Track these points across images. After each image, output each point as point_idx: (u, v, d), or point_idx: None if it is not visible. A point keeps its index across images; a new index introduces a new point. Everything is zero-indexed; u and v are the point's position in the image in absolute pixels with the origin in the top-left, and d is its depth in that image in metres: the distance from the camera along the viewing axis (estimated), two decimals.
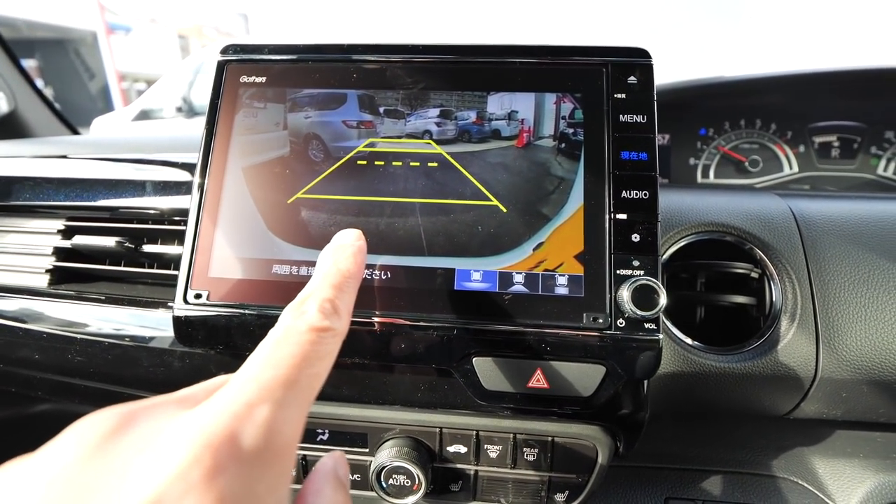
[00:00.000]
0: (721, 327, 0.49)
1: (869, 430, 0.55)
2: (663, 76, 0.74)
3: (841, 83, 0.75)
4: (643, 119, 0.37)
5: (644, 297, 0.33)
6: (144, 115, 4.86)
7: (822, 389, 0.46)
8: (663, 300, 0.33)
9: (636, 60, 0.38)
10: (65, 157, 0.55)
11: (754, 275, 0.49)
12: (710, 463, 0.52)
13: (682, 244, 0.49)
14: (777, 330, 0.46)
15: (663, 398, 0.48)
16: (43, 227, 0.50)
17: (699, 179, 0.79)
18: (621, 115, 0.37)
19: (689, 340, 0.46)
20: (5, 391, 0.71)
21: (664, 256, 0.48)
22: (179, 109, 4.71)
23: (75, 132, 1.03)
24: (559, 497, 0.42)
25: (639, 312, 0.33)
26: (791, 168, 0.77)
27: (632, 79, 0.38)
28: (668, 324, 0.47)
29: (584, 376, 0.34)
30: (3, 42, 0.92)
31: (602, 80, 0.37)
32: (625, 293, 0.33)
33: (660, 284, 0.33)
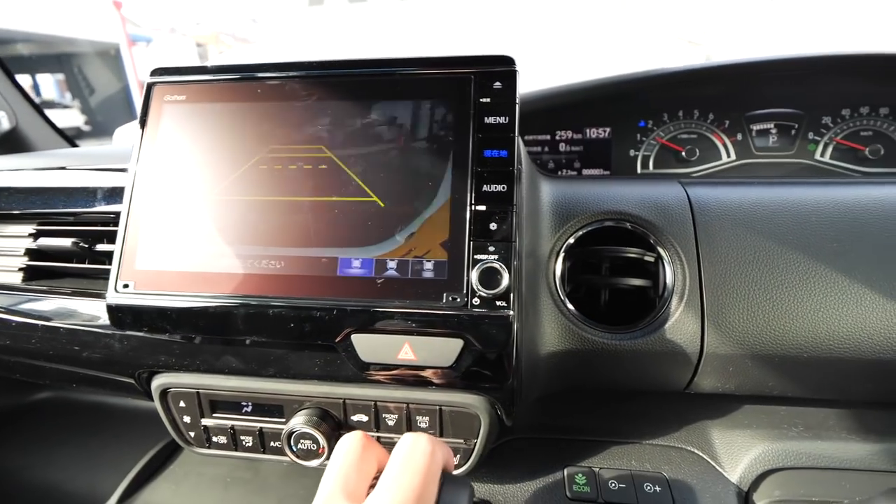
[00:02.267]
0: (628, 311, 0.53)
1: (772, 403, 0.58)
2: (603, 72, 0.78)
3: (777, 71, 0.76)
4: (505, 120, 0.41)
5: (489, 278, 0.37)
6: None
7: (710, 364, 0.50)
8: (506, 281, 0.37)
9: (501, 69, 0.42)
10: (63, 168, 0.63)
11: (650, 258, 0.53)
12: (612, 435, 0.56)
13: (584, 232, 0.53)
14: (667, 310, 0.50)
15: (563, 374, 0.52)
16: (17, 231, 0.57)
17: (639, 170, 0.82)
18: (485, 118, 0.41)
19: (581, 321, 0.50)
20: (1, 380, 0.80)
21: (569, 241, 0.52)
22: None
23: (74, 146, 1.12)
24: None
25: (486, 291, 0.37)
26: (729, 156, 0.79)
27: (497, 84, 0.42)
28: (568, 305, 0.51)
29: (445, 348, 0.39)
30: (1, 62, 1.01)
31: (469, 87, 0.42)
32: (474, 274, 0.38)
33: (504, 267, 0.38)
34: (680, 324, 0.49)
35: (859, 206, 0.50)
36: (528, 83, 0.72)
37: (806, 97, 0.77)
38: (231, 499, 0.67)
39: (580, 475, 0.51)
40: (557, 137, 0.83)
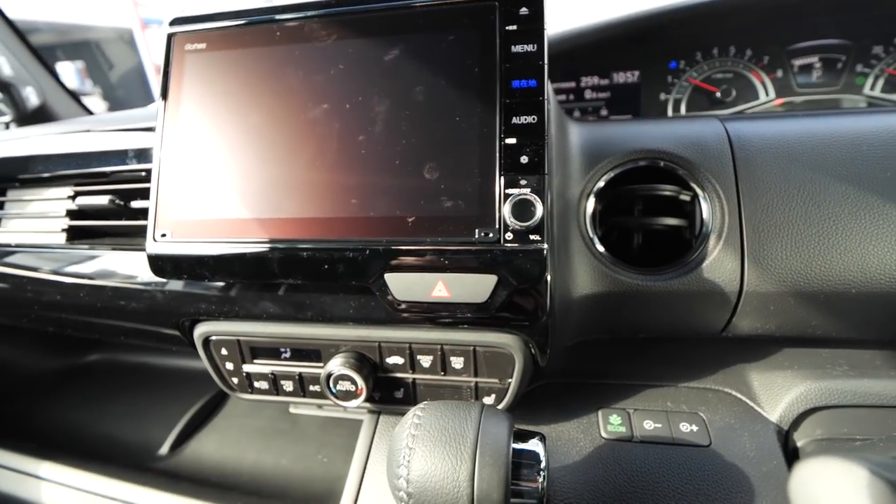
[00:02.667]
0: (664, 252, 0.52)
1: (814, 346, 0.56)
2: (626, 7, 0.73)
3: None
4: (533, 48, 0.39)
5: (522, 211, 0.37)
6: None
7: (750, 304, 0.48)
8: (539, 213, 0.36)
9: None
10: (70, 133, 0.64)
11: (685, 197, 0.51)
12: (646, 379, 0.56)
13: (616, 173, 0.51)
14: (704, 249, 0.48)
15: (597, 319, 0.52)
16: (56, 194, 0.59)
17: (670, 114, 0.78)
18: (512, 46, 0.40)
19: (614, 263, 0.49)
20: (54, 340, 0.85)
21: (598, 185, 0.51)
22: None
23: (90, 114, 1.14)
24: (488, 400, 0.48)
25: (519, 224, 0.37)
26: (768, 95, 0.75)
27: (523, 10, 0.40)
28: (599, 247, 0.50)
29: (479, 284, 0.38)
30: (30, 45, 1.03)
31: (494, 14, 0.40)
32: (507, 208, 0.37)
33: (538, 198, 0.37)
34: (718, 263, 0.48)
35: None
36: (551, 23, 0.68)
37: (854, 25, 0.71)
38: (272, 447, 0.70)
39: (615, 415, 0.51)
40: (582, 84, 0.80)
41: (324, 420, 0.74)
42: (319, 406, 0.70)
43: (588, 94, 0.80)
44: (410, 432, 0.32)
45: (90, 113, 1.10)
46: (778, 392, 0.51)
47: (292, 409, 0.73)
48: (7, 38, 0.97)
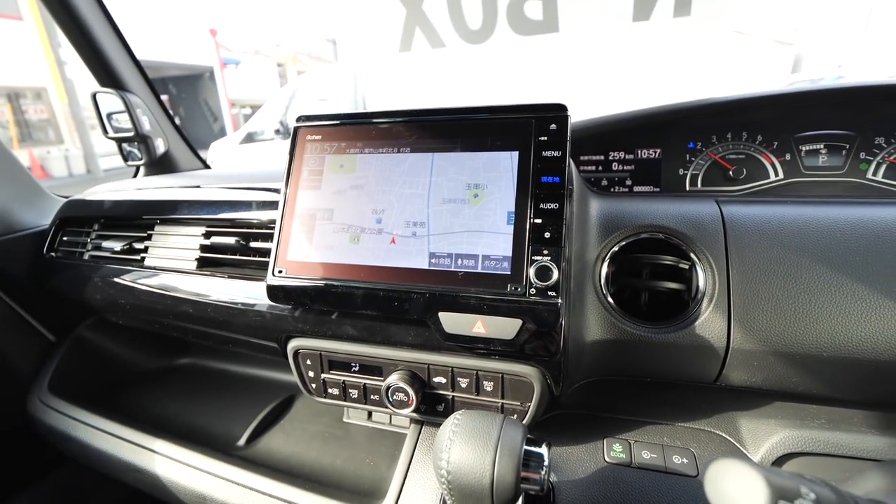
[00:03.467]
0: (666, 310, 0.63)
1: (801, 401, 0.64)
2: (653, 101, 0.87)
3: (828, 99, 0.81)
4: (558, 154, 0.54)
5: (543, 273, 0.50)
6: (249, 138, 5.65)
7: (736, 358, 0.58)
8: (555, 276, 0.49)
9: (555, 115, 0.55)
10: (196, 186, 0.84)
11: (684, 265, 0.62)
12: (648, 416, 0.65)
13: (625, 242, 0.64)
14: (698, 309, 0.59)
15: (605, 361, 0.63)
16: (192, 232, 0.79)
17: (688, 188, 0.89)
18: (543, 152, 0.54)
19: (622, 315, 0.61)
20: (153, 344, 1.04)
21: (612, 250, 0.63)
22: (277, 131, 5.41)
23: (207, 167, 1.39)
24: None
25: (540, 283, 0.50)
26: (777, 175, 0.85)
27: (552, 126, 0.54)
28: (610, 301, 0.62)
29: (508, 325, 0.51)
30: (160, 100, 1.30)
31: (531, 128, 0.55)
32: (532, 270, 0.50)
33: (555, 265, 0.50)
34: (709, 322, 0.58)
35: (883, 224, 0.56)
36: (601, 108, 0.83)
37: (858, 121, 0.81)
38: (328, 449, 0.84)
39: (617, 444, 0.62)
40: (610, 157, 0.93)
41: (371, 430, 0.87)
42: (370, 416, 0.84)
43: (615, 167, 0.93)
44: (452, 429, 0.45)
45: (202, 161, 1.35)
46: (762, 437, 0.59)
47: (345, 419, 0.87)
48: (148, 99, 1.24)
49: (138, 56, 1.21)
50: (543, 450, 0.44)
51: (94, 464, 0.84)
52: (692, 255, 0.61)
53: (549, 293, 0.50)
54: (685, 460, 0.58)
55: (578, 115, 0.86)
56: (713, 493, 0.31)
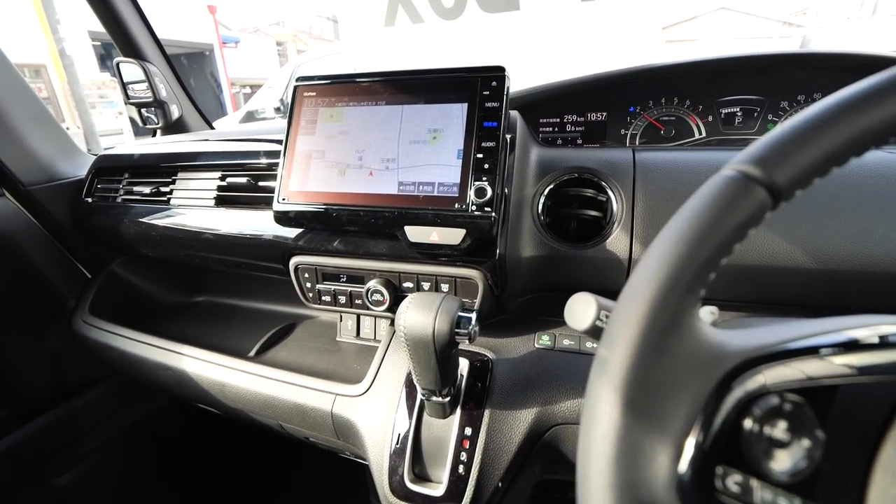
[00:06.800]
0: (590, 235, 0.79)
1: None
2: (600, 68, 1.02)
3: (744, 67, 0.96)
4: (497, 104, 0.69)
5: (480, 193, 0.66)
6: (250, 117, 5.75)
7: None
8: (489, 194, 0.66)
9: (496, 74, 0.70)
10: (208, 140, 1.01)
11: (602, 198, 0.79)
12: None
13: (560, 180, 0.80)
14: (610, 230, 0.76)
15: (537, 273, 0.80)
16: (210, 176, 0.95)
17: (627, 145, 1.05)
18: (486, 103, 0.70)
19: (552, 237, 0.77)
20: (174, 282, 1.22)
21: (549, 187, 0.80)
22: (278, 110, 5.50)
23: (212, 128, 1.55)
24: None
25: (478, 200, 0.67)
26: (701, 133, 1.01)
27: (493, 83, 0.70)
28: (543, 229, 0.78)
29: (456, 234, 0.68)
30: (175, 70, 1.45)
31: (477, 85, 0.71)
32: (472, 192, 0.67)
33: (490, 187, 0.66)
34: (617, 239, 0.75)
35: None
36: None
37: (768, 87, 0.96)
38: (323, 358, 1.02)
39: (545, 336, 0.79)
40: (565, 119, 1.08)
41: (359, 346, 1.05)
42: (358, 334, 1.02)
43: (568, 128, 1.09)
44: (408, 302, 0.62)
45: (209, 124, 1.51)
46: None
47: (338, 338, 1.05)
48: (164, 69, 1.39)
49: None
50: (471, 314, 0.62)
51: (131, 367, 1.02)
52: (608, 190, 0.77)
53: (486, 208, 0.67)
54: (596, 345, 0.76)
55: (538, 81, 1.02)
56: (567, 313, 0.48)
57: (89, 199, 1.10)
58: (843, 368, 0.33)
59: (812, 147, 0.30)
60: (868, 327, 0.34)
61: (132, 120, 1.43)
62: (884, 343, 0.33)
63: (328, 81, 0.79)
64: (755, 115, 0.98)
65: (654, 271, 0.31)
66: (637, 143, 1.04)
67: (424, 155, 0.72)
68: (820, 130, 0.30)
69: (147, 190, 1.01)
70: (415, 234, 0.70)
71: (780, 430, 0.32)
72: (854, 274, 0.66)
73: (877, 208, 0.65)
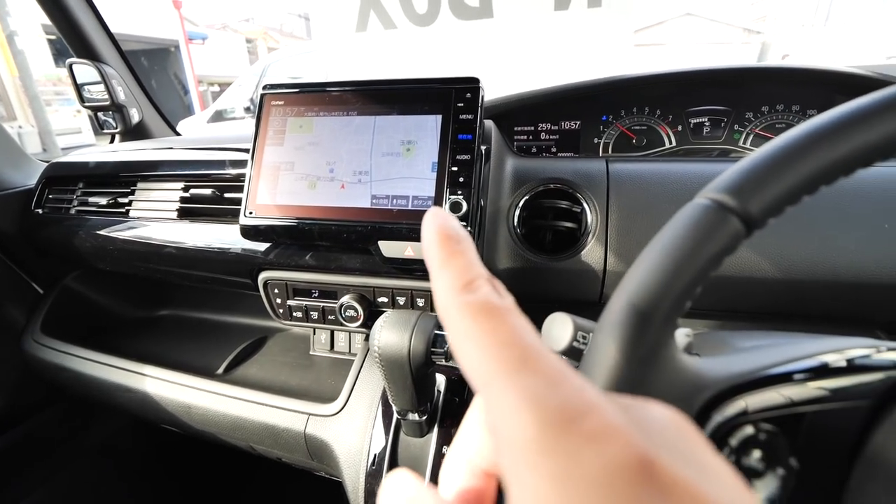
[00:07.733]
0: (565, 246, 0.79)
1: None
2: (574, 78, 1.02)
3: (711, 78, 0.99)
4: (471, 116, 0.68)
5: (455, 207, 0.65)
6: (218, 116, 5.57)
7: (612, 279, 0.76)
8: (464, 209, 0.65)
9: (470, 86, 0.69)
10: (171, 148, 0.96)
11: (577, 209, 0.79)
12: None
13: (535, 192, 0.79)
14: (584, 242, 0.76)
15: (515, 285, 0.79)
16: (173, 187, 0.90)
17: (600, 154, 1.06)
18: (460, 115, 0.69)
19: (527, 248, 0.77)
20: (135, 296, 1.16)
21: (525, 198, 0.79)
22: (248, 109, 5.35)
23: (177, 134, 1.48)
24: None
25: (454, 214, 0.65)
26: (671, 143, 1.02)
27: (468, 95, 0.69)
28: (519, 239, 0.78)
29: None
30: (134, 71, 1.38)
31: (451, 96, 0.69)
32: (447, 206, 0.66)
33: (465, 201, 0.65)
34: (591, 251, 0.75)
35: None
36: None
37: (734, 98, 0.98)
38: (295, 374, 0.98)
39: None
40: (539, 128, 1.09)
41: (333, 360, 1.02)
42: (332, 348, 0.99)
43: (542, 136, 1.09)
44: (382, 321, 0.60)
45: (173, 129, 1.44)
46: None
47: (311, 352, 1.02)
48: (122, 71, 1.32)
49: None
50: None
51: (87, 390, 0.96)
52: (582, 201, 0.77)
53: (462, 223, 0.66)
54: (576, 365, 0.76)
55: (512, 90, 1.01)
56: (544, 334, 0.48)
57: (40, 211, 1.03)
58: (817, 392, 0.33)
59: (784, 177, 0.30)
60: (838, 352, 0.34)
61: (91, 119, 1.35)
62: (851, 367, 0.34)
63: (297, 90, 0.76)
64: (722, 125, 1.00)
65: (631, 305, 0.30)
66: (610, 151, 1.06)
67: (398, 167, 0.70)
68: (791, 161, 0.30)
69: (103, 201, 0.95)
70: (389, 249, 0.69)
71: (754, 459, 0.32)
72: (817, 283, 0.68)
73: (838, 219, 0.67)
